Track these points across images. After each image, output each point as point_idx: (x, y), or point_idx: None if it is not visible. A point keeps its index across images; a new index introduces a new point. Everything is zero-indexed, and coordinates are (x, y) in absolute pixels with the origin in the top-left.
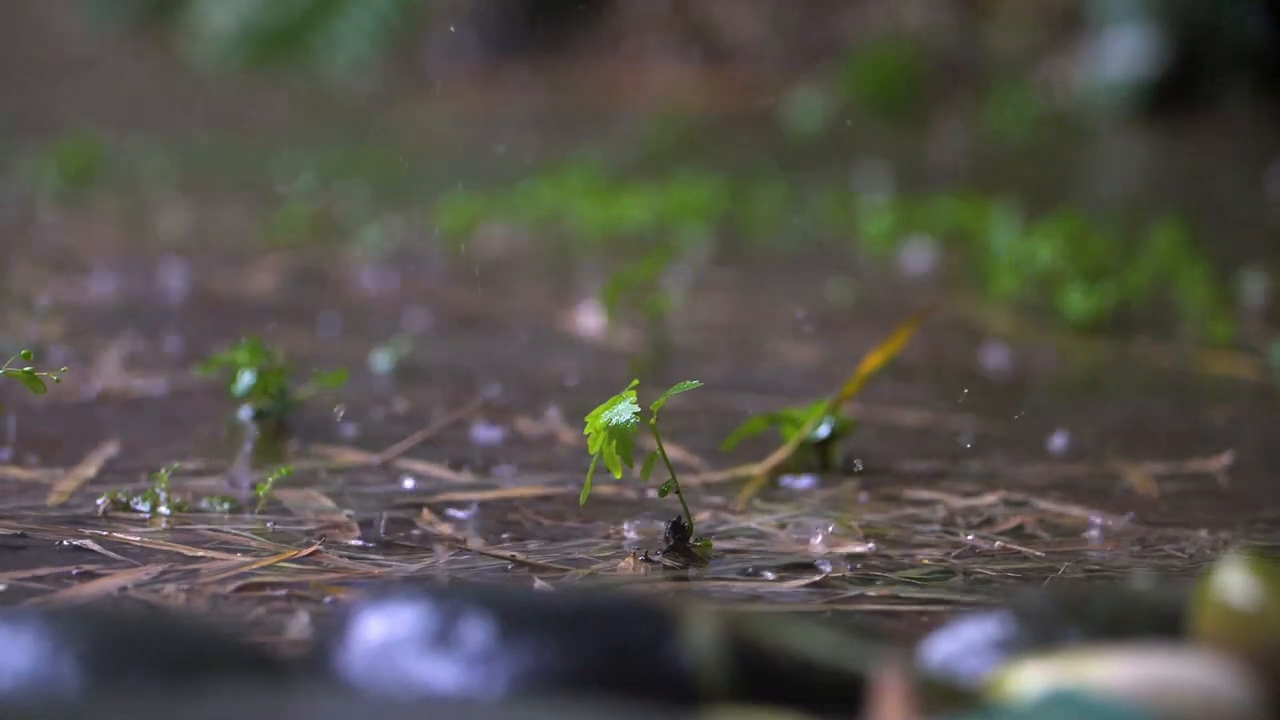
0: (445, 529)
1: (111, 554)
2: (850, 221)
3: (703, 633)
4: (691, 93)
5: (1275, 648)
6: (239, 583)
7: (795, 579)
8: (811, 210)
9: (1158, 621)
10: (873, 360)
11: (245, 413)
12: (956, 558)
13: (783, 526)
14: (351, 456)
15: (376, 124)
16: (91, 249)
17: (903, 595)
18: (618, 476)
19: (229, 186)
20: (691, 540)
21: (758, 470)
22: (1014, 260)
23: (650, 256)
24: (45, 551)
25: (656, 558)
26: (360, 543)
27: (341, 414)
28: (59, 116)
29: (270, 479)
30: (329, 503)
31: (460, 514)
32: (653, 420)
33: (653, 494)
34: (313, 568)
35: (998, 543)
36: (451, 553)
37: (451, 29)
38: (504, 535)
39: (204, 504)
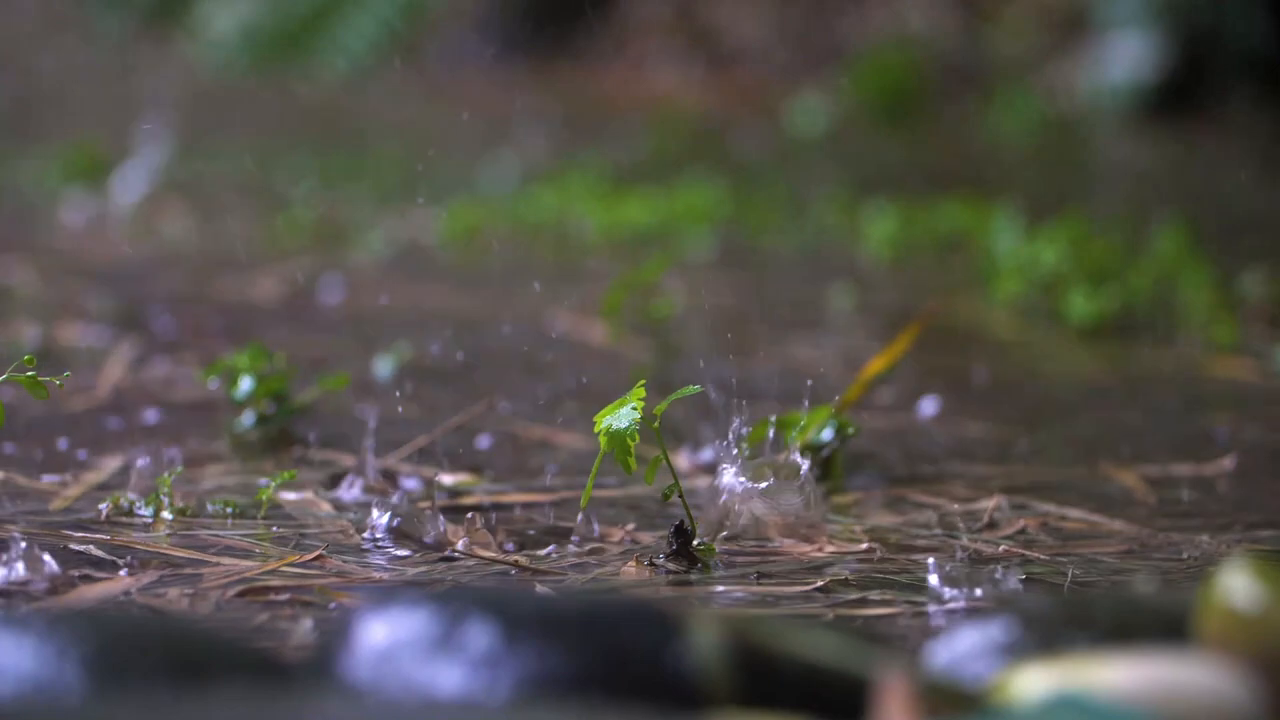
0: (449, 533)
1: (115, 559)
2: (853, 224)
3: (706, 637)
4: (695, 96)
5: (1278, 650)
6: (242, 587)
7: (799, 583)
8: (814, 213)
9: (1161, 625)
10: (876, 364)
11: (247, 418)
12: (960, 561)
13: (787, 530)
14: (353, 461)
15: (379, 128)
16: (96, 252)
17: (905, 598)
18: (634, 469)
19: (232, 190)
20: (694, 544)
21: (762, 476)
22: (1017, 264)
23: (653, 260)
24: (50, 556)
25: (660, 562)
26: (360, 547)
27: (346, 418)
28: (62, 120)
29: (273, 484)
30: (330, 508)
31: (463, 518)
32: (655, 424)
33: (656, 498)
34: (316, 572)
35: (1002, 546)
36: (454, 557)
37: (456, 33)
38: (506, 539)
39: (208, 508)
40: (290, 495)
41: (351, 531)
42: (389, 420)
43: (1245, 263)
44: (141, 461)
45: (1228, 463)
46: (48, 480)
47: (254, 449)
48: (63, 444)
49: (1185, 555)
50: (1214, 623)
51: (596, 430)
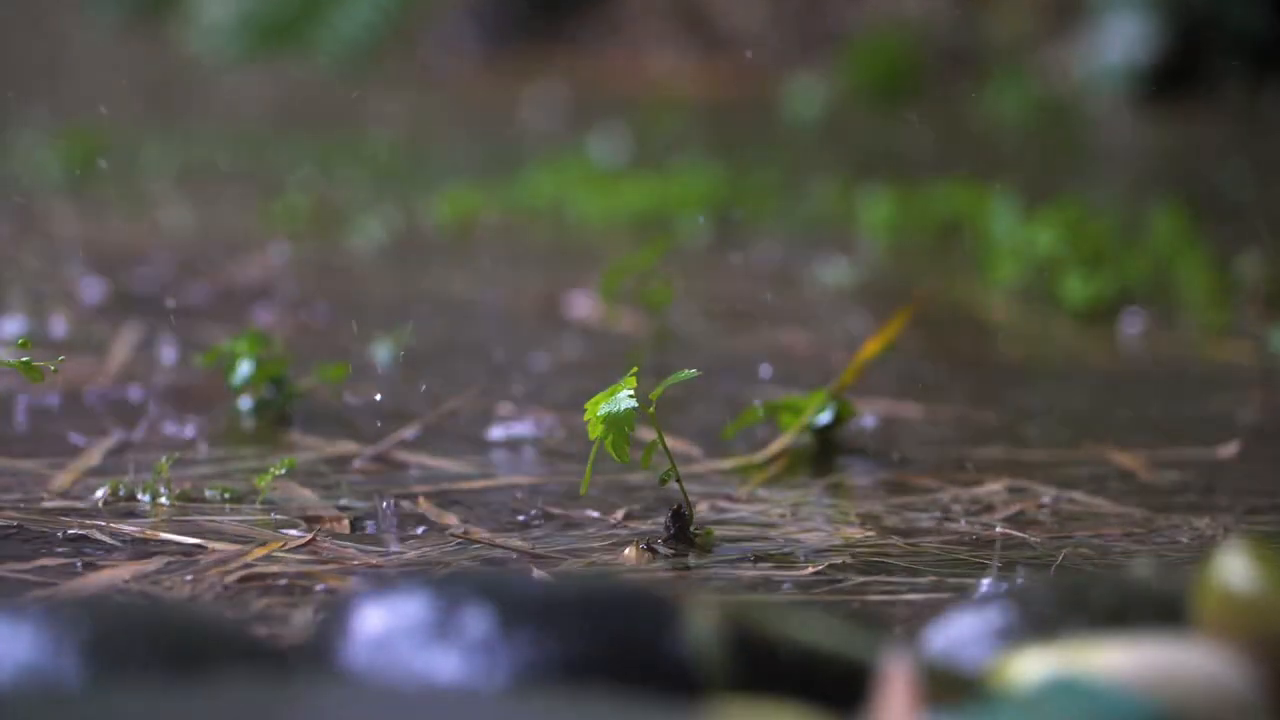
0: (444, 518)
1: (113, 545)
2: (849, 208)
3: (704, 622)
4: (690, 81)
5: (1276, 634)
6: (240, 574)
7: (796, 567)
8: (810, 197)
9: (1158, 609)
10: (871, 347)
11: (244, 403)
12: (957, 545)
13: (783, 515)
14: (351, 447)
15: (375, 114)
16: (93, 239)
17: (903, 583)
18: (625, 461)
19: (228, 177)
20: (692, 529)
21: (758, 458)
22: (1013, 247)
23: (650, 244)
24: (46, 543)
25: (657, 546)
26: (358, 533)
27: (343, 404)
28: (58, 108)
29: (271, 471)
30: (326, 494)
31: (459, 503)
32: (651, 409)
33: (654, 482)
34: (313, 558)
35: (998, 528)
36: (451, 542)
37: (452, 18)
38: (504, 524)
39: (206, 494)
40: (287, 481)
41: (344, 519)
42: (386, 405)
43: (1242, 246)
44: (139, 448)
45: (1230, 448)
46: (45, 466)
47: (252, 434)
48: (61, 429)
49: (1184, 539)
50: (1211, 606)
51: (587, 418)
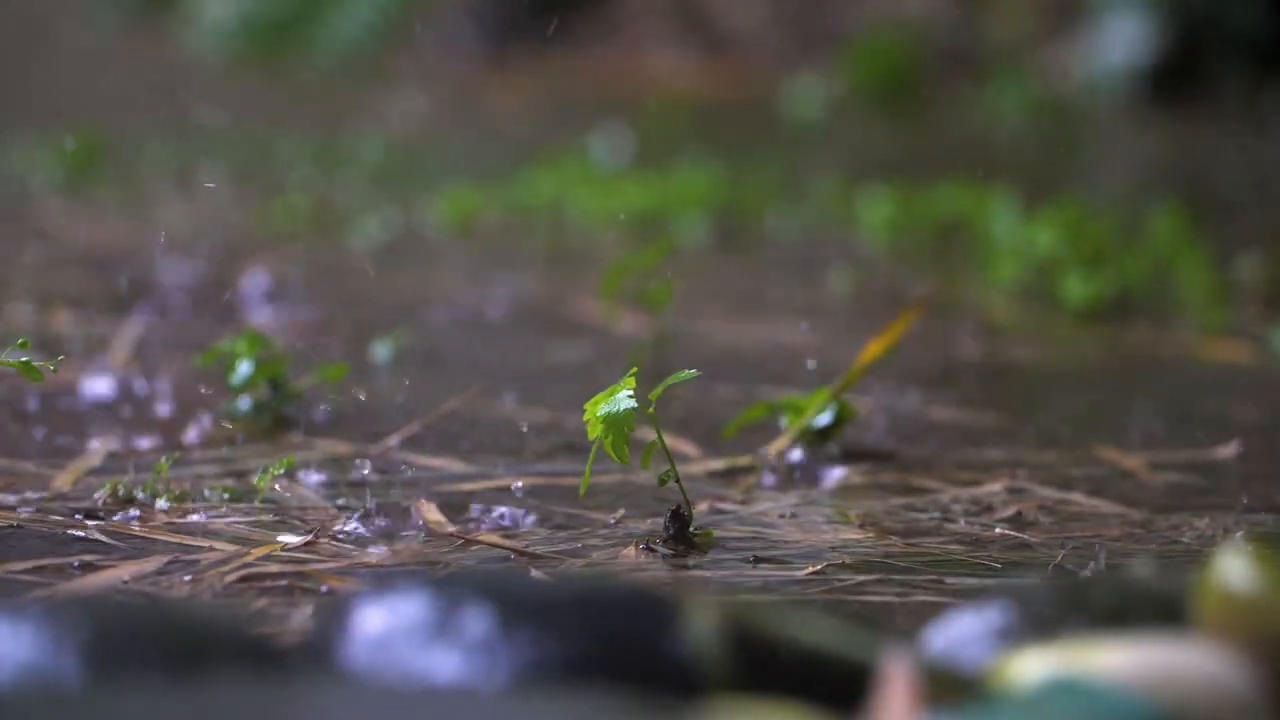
0: (444, 519)
1: (112, 545)
2: (849, 209)
3: (703, 622)
4: (691, 81)
5: (1276, 634)
6: (240, 573)
7: (796, 568)
8: (810, 198)
9: (1158, 609)
10: (873, 348)
11: (244, 403)
12: (957, 545)
13: (784, 515)
14: (350, 447)
15: (375, 114)
16: (92, 239)
17: (903, 583)
18: (624, 461)
19: (228, 177)
20: (691, 529)
21: (758, 458)
22: (1013, 247)
23: (650, 245)
24: (45, 543)
25: (657, 547)
26: (357, 533)
27: (343, 404)
28: (59, 107)
29: (271, 471)
30: (326, 494)
31: (459, 503)
32: (651, 410)
33: (653, 482)
34: (313, 558)
35: (998, 529)
36: (451, 542)
37: (451, 19)
38: (503, 524)
39: (205, 494)
40: (287, 481)
41: (344, 519)
42: (385, 405)
43: (1242, 246)
44: (139, 447)
45: (1230, 448)
46: (44, 466)
47: (251, 434)
48: (60, 429)
49: (1184, 539)
50: (1211, 607)
51: (586, 418)
